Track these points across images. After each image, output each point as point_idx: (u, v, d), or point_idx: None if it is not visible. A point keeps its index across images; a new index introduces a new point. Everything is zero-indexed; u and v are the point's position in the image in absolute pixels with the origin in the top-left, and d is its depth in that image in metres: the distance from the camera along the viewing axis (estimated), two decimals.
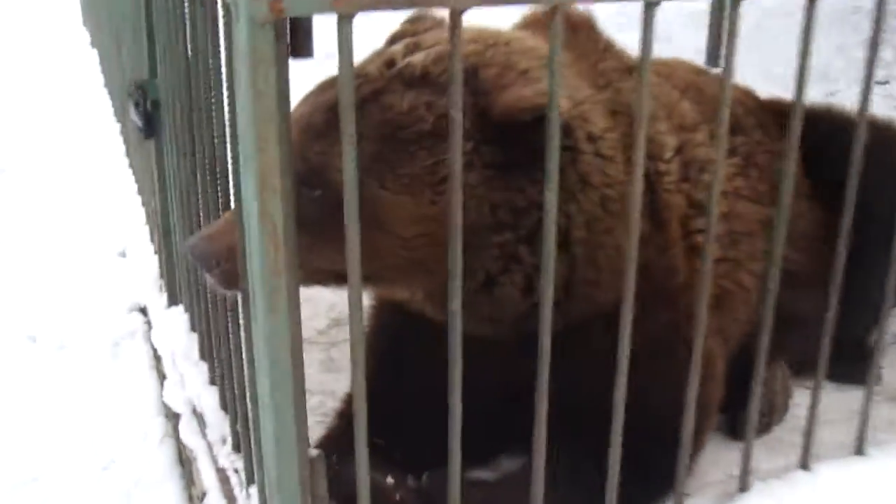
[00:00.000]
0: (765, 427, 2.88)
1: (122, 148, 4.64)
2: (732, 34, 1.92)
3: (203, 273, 2.23)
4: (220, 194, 2.34)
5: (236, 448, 2.46)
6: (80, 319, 3.90)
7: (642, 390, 2.17)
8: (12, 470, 3.07)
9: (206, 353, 2.81)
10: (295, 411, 1.71)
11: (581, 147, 2.26)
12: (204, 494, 2.51)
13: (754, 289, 2.76)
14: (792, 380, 3.04)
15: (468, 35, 2.20)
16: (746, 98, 3.18)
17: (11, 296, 4.12)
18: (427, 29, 2.41)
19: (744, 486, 2.43)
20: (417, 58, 2.22)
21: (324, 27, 6.53)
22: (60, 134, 5.47)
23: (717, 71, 3.07)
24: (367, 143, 2.10)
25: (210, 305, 2.58)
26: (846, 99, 3.19)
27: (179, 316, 3.11)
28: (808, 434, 2.52)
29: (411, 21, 2.50)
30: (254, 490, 2.26)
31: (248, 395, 2.19)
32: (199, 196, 2.58)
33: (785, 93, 2.65)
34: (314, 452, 1.86)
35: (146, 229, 3.87)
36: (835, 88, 6.13)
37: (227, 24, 1.94)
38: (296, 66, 1.71)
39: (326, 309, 3.44)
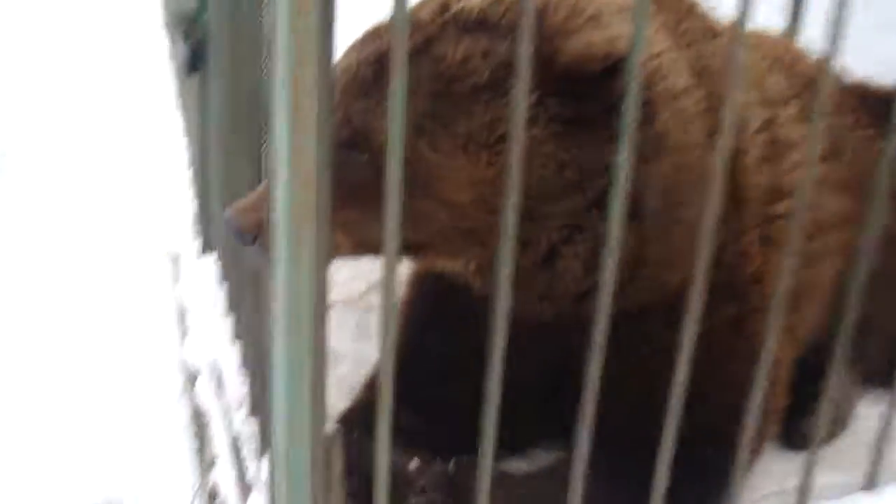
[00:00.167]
0: (826, 439, 2.65)
1: (174, 88, 4.46)
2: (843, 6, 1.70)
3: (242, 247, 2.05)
4: (262, 139, 2.14)
5: (253, 413, 2.28)
6: (110, 265, 3.74)
7: (699, 389, 1.95)
8: (21, 418, 2.94)
9: (233, 306, 2.63)
10: (311, 380, 1.51)
11: (659, 103, 2.03)
12: (214, 461, 2.34)
13: (830, 287, 2.51)
14: (858, 388, 2.83)
15: None
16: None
17: (45, 238, 4.00)
18: None
19: None
20: (474, 0, 2.01)
21: None
22: (113, 72, 5.35)
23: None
24: (417, 99, 1.90)
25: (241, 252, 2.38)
26: None
27: (211, 265, 2.92)
28: (878, 451, 2.28)
29: None
30: (266, 462, 2.07)
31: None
32: (240, 138, 2.38)
33: None
34: (332, 429, 1.66)
35: (187, 172, 3.68)
36: None
37: None
38: None
39: (367, 271, 3.21)
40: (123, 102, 4.95)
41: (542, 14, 1.94)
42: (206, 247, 3.08)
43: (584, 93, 1.94)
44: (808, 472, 2.18)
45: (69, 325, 3.40)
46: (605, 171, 1.95)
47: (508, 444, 2.33)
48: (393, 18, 1.39)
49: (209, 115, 2.93)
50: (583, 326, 1.77)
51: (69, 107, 5.01)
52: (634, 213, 2.00)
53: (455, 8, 2.01)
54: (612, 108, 1.84)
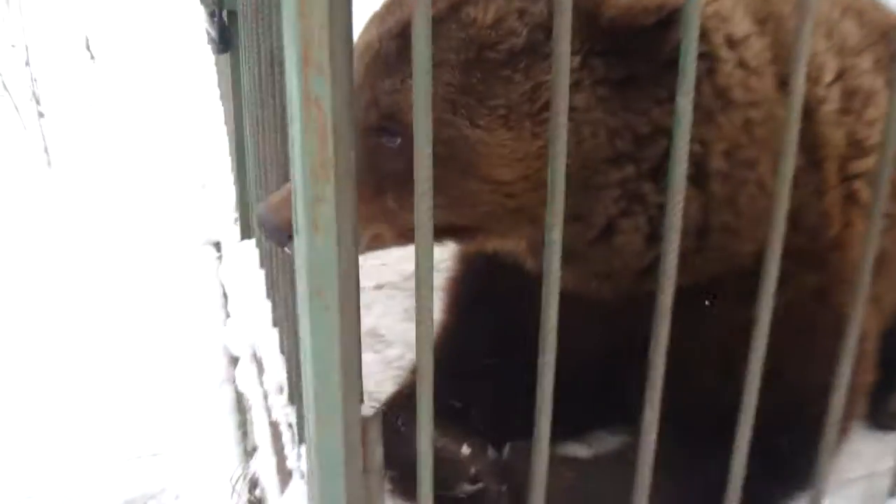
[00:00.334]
0: None
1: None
2: None
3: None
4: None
5: (292, 399, 2.15)
6: (155, 251, 3.67)
7: (779, 366, 1.76)
8: (58, 398, 2.87)
9: (271, 292, 2.50)
10: (341, 358, 1.36)
11: (720, 54, 1.83)
12: (255, 449, 2.21)
13: None
14: None
15: None
16: None
17: (92, 226, 3.95)
18: None
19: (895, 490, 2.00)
20: None
21: None
22: (158, 61, 5.32)
23: None
24: (447, 71, 1.72)
25: None
26: None
27: (251, 250, 2.82)
28: None
29: None
30: (304, 450, 1.94)
31: None
32: (267, 114, 2.25)
33: None
34: (369, 411, 1.50)
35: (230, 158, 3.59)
36: None
37: None
38: None
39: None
40: (167, 93, 4.91)
41: None
42: (245, 232, 2.98)
43: (633, 50, 1.74)
44: None
45: (115, 311, 3.34)
46: (661, 135, 1.77)
47: (569, 427, 2.18)
48: None
49: (241, 93, 2.83)
50: (648, 303, 1.59)
51: (115, 99, 4.99)
52: (697, 177, 1.81)
53: None
54: (665, 65, 1.66)
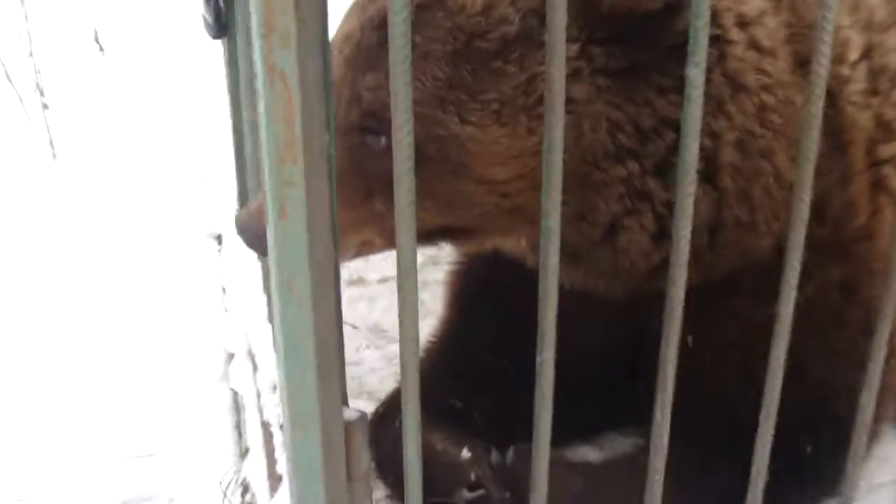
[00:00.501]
0: None
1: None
2: None
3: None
4: None
5: None
6: (158, 244, 3.58)
7: (802, 364, 1.63)
8: (54, 395, 2.78)
9: (267, 285, 2.39)
10: (316, 357, 1.24)
11: (730, 36, 1.69)
12: (247, 451, 2.10)
13: None
14: None
15: None
16: None
17: (95, 212, 3.87)
18: None
19: None
20: None
21: None
22: (159, 53, 5.23)
23: None
24: (433, 64, 1.60)
25: None
26: None
27: None
28: None
29: None
30: None
31: None
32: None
33: None
34: (353, 414, 1.39)
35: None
36: None
37: None
38: None
39: None
40: (175, 84, 4.82)
41: None
42: None
43: (636, 37, 1.61)
44: None
45: (116, 304, 3.26)
46: (667, 128, 1.64)
47: (578, 429, 2.07)
48: None
49: (238, 80, 2.72)
50: (659, 301, 1.47)
51: (122, 92, 4.91)
52: (707, 172, 1.68)
53: None
54: (670, 52, 1.55)
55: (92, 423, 2.70)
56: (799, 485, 1.88)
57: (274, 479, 1.94)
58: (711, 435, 1.82)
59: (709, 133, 1.68)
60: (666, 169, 1.67)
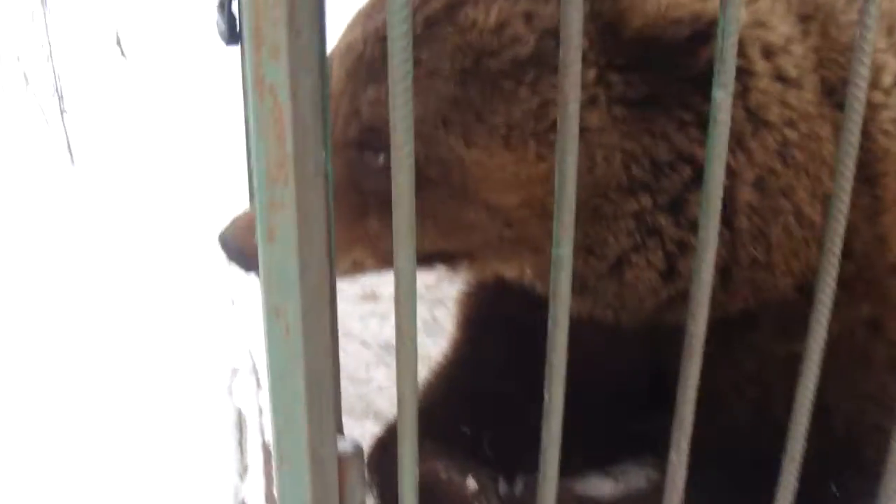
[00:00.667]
0: None
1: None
2: None
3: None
4: None
5: None
6: (174, 252, 3.53)
7: (826, 405, 1.54)
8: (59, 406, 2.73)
9: None
10: (307, 389, 1.17)
11: (755, 68, 1.60)
12: (245, 470, 2.03)
13: None
14: None
15: None
16: None
17: (113, 218, 3.84)
18: None
19: None
20: None
21: None
22: (175, 59, 5.21)
23: None
24: (440, 82, 1.53)
25: None
26: None
27: None
28: None
29: None
30: None
31: None
32: None
33: None
34: (348, 447, 1.31)
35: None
36: None
37: None
38: None
39: None
40: (196, 89, 4.80)
41: None
42: None
43: (658, 66, 1.52)
44: None
45: (131, 310, 3.22)
46: (683, 163, 1.56)
47: (593, 459, 1.99)
48: None
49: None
50: (671, 335, 1.38)
51: (142, 96, 4.90)
52: (722, 212, 1.60)
53: None
54: (694, 83, 1.47)
55: (97, 436, 2.65)
56: None
57: (272, 502, 1.87)
58: (727, 473, 1.73)
59: (726, 171, 1.60)
60: (680, 206, 1.60)
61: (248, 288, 2.59)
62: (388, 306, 2.94)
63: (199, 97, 4.76)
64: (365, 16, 1.66)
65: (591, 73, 1.51)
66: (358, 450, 1.34)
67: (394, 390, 2.58)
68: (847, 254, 1.57)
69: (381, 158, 1.56)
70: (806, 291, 1.66)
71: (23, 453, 2.56)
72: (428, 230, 1.44)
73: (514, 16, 1.54)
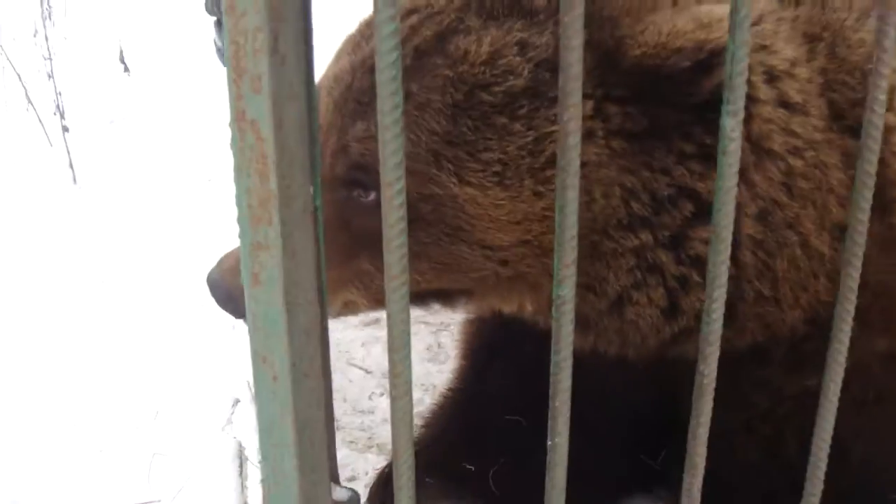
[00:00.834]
0: None
1: None
2: None
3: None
4: None
5: None
6: (178, 272, 3.48)
7: (839, 441, 1.46)
8: (73, 436, 2.67)
9: None
10: (296, 438, 1.10)
11: (758, 94, 1.54)
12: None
13: None
14: None
15: None
16: None
17: (116, 239, 3.79)
18: None
19: None
20: None
21: None
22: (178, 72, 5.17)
23: None
24: (431, 116, 1.46)
25: None
26: None
27: None
28: None
29: None
30: None
31: None
32: None
33: None
34: (343, 495, 1.25)
35: None
36: None
37: None
38: None
39: None
40: (199, 106, 4.75)
41: None
42: None
43: (658, 96, 1.46)
44: None
45: (134, 331, 3.16)
46: (685, 198, 1.50)
47: (603, 492, 1.92)
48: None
49: None
50: (678, 366, 1.31)
51: (146, 114, 4.86)
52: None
53: None
54: (695, 115, 1.42)
55: (95, 457, 2.59)
56: None
57: None
58: None
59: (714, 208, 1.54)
60: (681, 242, 1.53)
61: None
62: None
63: (204, 114, 4.71)
64: (353, 44, 1.59)
65: (588, 105, 1.45)
66: (354, 499, 1.27)
67: None
68: (861, 285, 1.50)
69: (372, 196, 1.49)
70: (817, 324, 1.60)
71: (23, 476, 2.51)
72: (421, 269, 1.38)
73: (507, 46, 1.47)
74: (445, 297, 1.64)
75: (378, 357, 2.70)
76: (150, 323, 3.24)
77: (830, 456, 1.38)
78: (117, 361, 3.00)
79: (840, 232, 1.58)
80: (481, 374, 2.09)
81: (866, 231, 1.23)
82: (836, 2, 1.71)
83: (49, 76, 4.21)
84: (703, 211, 1.49)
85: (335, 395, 2.10)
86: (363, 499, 1.90)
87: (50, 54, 4.20)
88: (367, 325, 2.80)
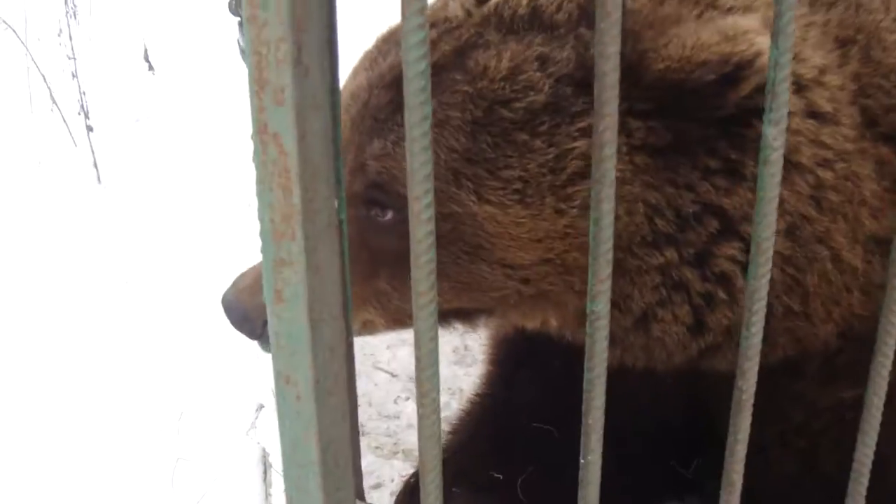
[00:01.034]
0: None
1: None
2: None
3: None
4: None
5: None
6: (203, 272, 3.46)
7: (880, 456, 1.43)
8: (97, 440, 2.66)
9: None
10: (320, 457, 1.07)
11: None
12: None
13: None
14: None
15: None
16: None
17: (141, 240, 3.78)
18: None
19: None
20: None
21: None
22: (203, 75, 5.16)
23: None
24: (450, 133, 1.43)
25: None
26: None
27: None
28: None
29: None
30: None
31: None
32: None
33: None
34: None
35: None
36: None
37: None
38: None
39: None
40: (225, 106, 4.74)
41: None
42: None
43: (683, 110, 1.42)
44: None
45: (159, 332, 3.15)
46: (710, 215, 1.45)
47: (635, 500, 1.88)
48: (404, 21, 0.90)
49: None
50: (710, 377, 1.27)
51: (171, 112, 4.84)
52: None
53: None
54: (720, 129, 1.38)
55: (115, 465, 2.58)
56: None
57: None
58: None
59: (752, 221, 1.50)
60: (706, 259, 1.48)
61: None
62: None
63: (230, 113, 4.69)
64: (370, 60, 1.56)
65: None
66: None
67: None
68: None
69: (389, 216, 1.47)
70: (850, 337, 1.55)
71: (47, 480, 2.50)
72: (441, 289, 1.35)
73: (527, 60, 1.44)
74: (467, 316, 1.60)
75: (404, 360, 2.67)
76: (173, 325, 3.23)
77: (870, 471, 1.34)
78: (140, 364, 2.99)
79: (874, 244, 1.53)
80: (509, 381, 2.05)
81: None
82: (872, 3, 1.65)
83: (73, 76, 4.21)
84: (729, 228, 1.45)
85: (360, 400, 2.07)
86: None
87: (74, 54, 4.20)
88: None
